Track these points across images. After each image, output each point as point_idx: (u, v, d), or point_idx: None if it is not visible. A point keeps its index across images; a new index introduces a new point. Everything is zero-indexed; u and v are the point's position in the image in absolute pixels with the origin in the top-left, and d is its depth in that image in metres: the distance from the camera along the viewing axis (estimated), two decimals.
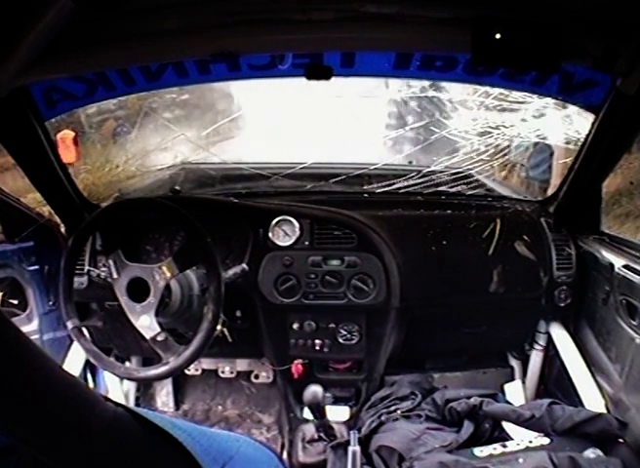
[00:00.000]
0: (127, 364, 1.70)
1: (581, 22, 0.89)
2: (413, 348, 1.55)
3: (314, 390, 1.26)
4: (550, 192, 1.77)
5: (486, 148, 1.65)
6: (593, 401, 1.31)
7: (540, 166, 2.01)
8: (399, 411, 1.30)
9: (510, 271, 1.44)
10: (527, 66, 0.95)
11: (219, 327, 1.21)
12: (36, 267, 1.51)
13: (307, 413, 1.42)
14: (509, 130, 1.65)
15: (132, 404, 1.75)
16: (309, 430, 1.35)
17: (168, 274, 1.19)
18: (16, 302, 1.47)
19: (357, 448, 1.14)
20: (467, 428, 1.20)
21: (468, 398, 1.26)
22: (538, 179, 2.00)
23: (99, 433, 0.50)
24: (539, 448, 1.09)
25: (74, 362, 1.50)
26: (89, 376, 1.62)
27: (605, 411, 1.23)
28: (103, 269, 1.40)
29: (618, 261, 1.29)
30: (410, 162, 1.73)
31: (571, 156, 1.58)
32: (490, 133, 1.66)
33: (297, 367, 1.50)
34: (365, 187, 1.63)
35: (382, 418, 1.29)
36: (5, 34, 0.77)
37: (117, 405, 0.53)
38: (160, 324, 1.20)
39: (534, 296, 1.48)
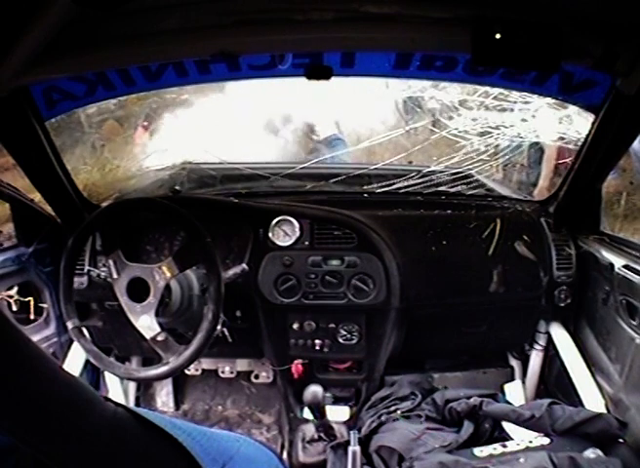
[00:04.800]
0: (127, 364, 1.70)
1: (581, 22, 0.89)
2: (413, 348, 1.55)
3: (314, 390, 1.27)
4: (537, 191, 1.76)
5: (486, 148, 1.65)
6: (593, 401, 1.31)
7: (536, 167, 2.00)
8: (399, 412, 1.31)
9: (510, 271, 1.44)
10: (527, 66, 0.95)
11: (219, 327, 1.21)
12: (52, 268, 1.52)
13: (307, 413, 1.42)
14: (509, 130, 1.65)
15: (132, 404, 1.75)
16: (309, 430, 1.35)
17: (168, 274, 1.20)
18: (32, 307, 1.47)
19: (357, 448, 1.14)
20: (467, 428, 1.20)
21: (468, 398, 1.26)
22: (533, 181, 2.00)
23: (99, 433, 0.50)
24: (539, 448, 1.09)
25: (74, 362, 1.50)
26: (89, 376, 1.62)
27: (605, 411, 1.23)
28: (103, 269, 1.40)
29: (618, 261, 1.29)
30: (410, 162, 1.73)
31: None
32: (490, 133, 1.65)
33: (297, 367, 1.50)
34: (365, 187, 1.63)
35: (382, 418, 1.29)
36: (5, 34, 0.77)
37: (117, 405, 0.53)
38: (160, 324, 1.20)
39: (534, 296, 1.48)
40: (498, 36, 0.85)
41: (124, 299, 1.22)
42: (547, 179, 1.95)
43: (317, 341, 1.47)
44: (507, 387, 1.58)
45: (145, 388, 1.85)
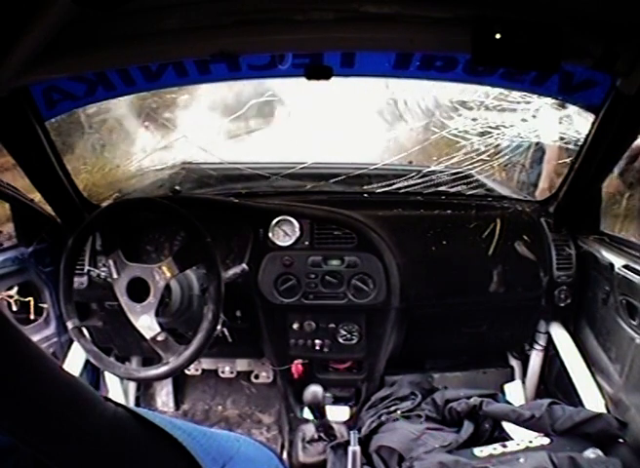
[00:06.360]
0: (127, 364, 1.70)
1: (581, 22, 0.89)
2: (413, 348, 1.55)
3: (314, 390, 1.26)
4: (538, 192, 1.76)
5: (486, 148, 1.65)
6: (593, 401, 1.32)
7: (536, 167, 2.00)
8: (399, 412, 1.31)
9: (510, 271, 1.44)
10: (527, 66, 0.95)
11: (219, 327, 1.21)
12: (52, 268, 1.51)
13: (307, 413, 1.42)
14: (509, 130, 1.65)
15: (132, 404, 1.75)
16: (309, 430, 1.35)
17: (168, 274, 1.19)
18: (32, 307, 1.47)
19: (357, 448, 1.14)
20: (467, 428, 1.20)
21: (468, 398, 1.26)
22: (533, 181, 1.99)
23: (99, 433, 0.50)
24: (539, 448, 1.09)
25: (74, 362, 1.50)
26: (89, 376, 1.62)
27: (605, 411, 1.23)
28: (103, 269, 1.40)
29: (618, 261, 1.29)
30: (410, 162, 1.73)
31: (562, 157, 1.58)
32: (490, 133, 1.65)
33: (297, 367, 1.50)
34: (365, 187, 1.63)
35: (382, 418, 1.29)
36: (5, 34, 0.77)
37: (117, 405, 0.53)
38: (160, 324, 1.20)
39: (534, 296, 1.48)
40: (498, 36, 0.85)
41: (124, 299, 1.22)
42: (547, 180, 1.95)
43: (317, 341, 1.47)
44: (507, 387, 1.58)
45: (145, 388, 1.85)
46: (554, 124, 1.59)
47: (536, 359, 1.60)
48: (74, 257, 1.29)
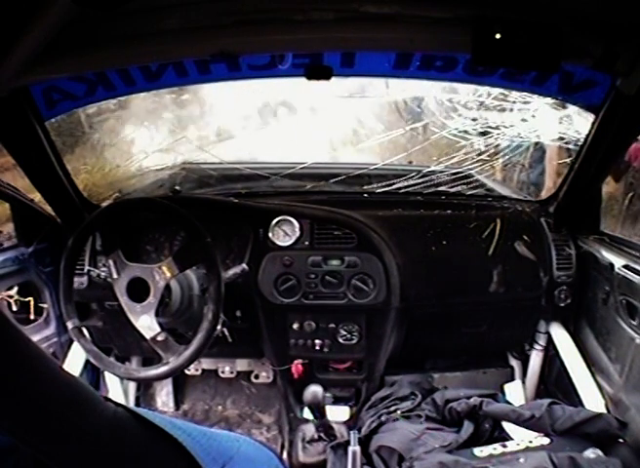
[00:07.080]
0: (127, 364, 1.70)
1: (581, 22, 0.89)
2: (413, 348, 1.55)
3: (314, 390, 1.27)
4: (544, 192, 1.76)
5: (486, 148, 1.65)
6: (593, 401, 1.32)
7: (536, 167, 2.00)
8: (399, 412, 1.31)
9: (510, 271, 1.44)
10: (527, 66, 0.95)
11: (219, 327, 1.21)
12: (52, 268, 1.52)
13: (307, 413, 1.42)
14: (509, 130, 1.65)
15: (132, 404, 1.75)
16: (309, 430, 1.35)
17: (168, 274, 1.19)
18: (32, 307, 1.47)
19: (357, 448, 1.14)
20: (467, 428, 1.20)
21: (468, 398, 1.26)
22: (534, 181, 2.00)
23: (99, 433, 0.50)
24: (539, 448, 1.09)
25: (74, 362, 1.50)
26: (89, 376, 1.62)
27: (605, 411, 1.23)
28: (103, 269, 1.40)
29: (618, 261, 1.29)
30: (410, 162, 1.73)
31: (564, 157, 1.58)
32: (490, 133, 1.65)
33: (297, 367, 1.50)
34: (365, 187, 1.63)
35: (382, 418, 1.29)
36: (5, 34, 0.77)
37: (117, 405, 0.53)
38: (160, 324, 1.20)
39: (534, 296, 1.48)
40: (498, 36, 0.85)
41: (124, 299, 1.22)
42: (553, 179, 1.95)
43: (317, 341, 1.47)
44: (507, 387, 1.58)
45: (145, 388, 1.85)
46: (554, 124, 1.60)
47: (536, 359, 1.60)
48: (74, 257, 1.29)
